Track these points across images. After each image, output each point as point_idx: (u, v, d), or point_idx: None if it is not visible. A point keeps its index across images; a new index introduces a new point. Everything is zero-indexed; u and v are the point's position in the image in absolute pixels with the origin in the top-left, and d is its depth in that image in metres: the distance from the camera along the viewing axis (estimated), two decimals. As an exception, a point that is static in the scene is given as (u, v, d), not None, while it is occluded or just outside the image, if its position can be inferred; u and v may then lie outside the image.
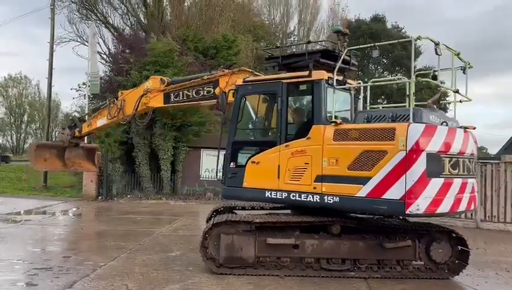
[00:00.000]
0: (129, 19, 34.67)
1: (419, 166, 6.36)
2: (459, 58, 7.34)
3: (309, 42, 7.83)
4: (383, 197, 6.53)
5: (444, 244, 7.41)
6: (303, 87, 7.65)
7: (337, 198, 6.95)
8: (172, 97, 10.05)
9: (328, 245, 7.36)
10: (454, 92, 7.34)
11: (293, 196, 7.39)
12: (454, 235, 7.40)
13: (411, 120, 6.54)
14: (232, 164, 8.20)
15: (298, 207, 7.59)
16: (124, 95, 10.89)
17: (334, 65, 7.49)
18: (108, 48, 32.02)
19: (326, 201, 7.04)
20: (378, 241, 7.34)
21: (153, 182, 21.47)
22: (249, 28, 34.61)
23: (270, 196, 7.65)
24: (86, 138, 13.49)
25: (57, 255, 8.68)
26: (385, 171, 6.53)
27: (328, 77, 7.33)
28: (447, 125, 7.00)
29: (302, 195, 7.28)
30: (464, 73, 7.55)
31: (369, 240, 7.38)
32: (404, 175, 6.38)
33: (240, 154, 8.24)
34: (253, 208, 9.49)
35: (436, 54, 6.70)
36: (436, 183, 6.48)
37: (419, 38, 6.64)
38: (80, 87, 25.16)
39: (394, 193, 6.45)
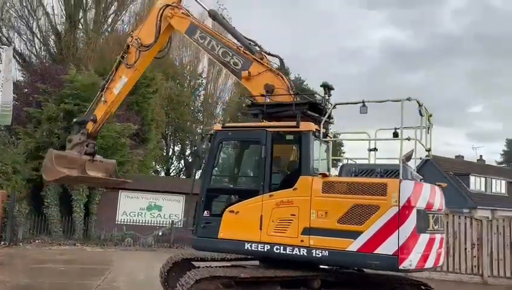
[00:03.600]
0: (34, 46, 32.38)
1: (411, 222, 6.49)
2: (428, 119, 7.83)
3: (297, 94, 7.80)
4: (375, 252, 6.52)
5: None
6: (289, 137, 7.55)
7: (326, 252, 6.78)
8: (198, 34, 8.89)
9: None
10: (427, 150, 7.74)
11: (277, 249, 7.06)
12: (425, 288, 7.61)
13: (401, 176, 6.73)
14: (206, 212, 7.66)
15: (282, 261, 7.27)
16: (136, 33, 9.55)
17: (318, 117, 7.57)
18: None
19: (314, 255, 6.84)
20: None
21: (63, 226, 19.53)
22: (160, 66, 34.10)
23: (250, 248, 7.23)
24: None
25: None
26: (377, 226, 6.55)
27: (316, 129, 7.34)
28: (424, 181, 7.33)
29: (288, 248, 6.99)
30: (427, 133, 8.06)
31: None
32: (397, 231, 6.45)
33: (216, 203, 7.80)
34: (213, 259, 8.97)
35: (420, 114, 7.08)
36: (424, 239, 6.67)
37: (408, 99, 6.97)
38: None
39: (387, 248, 6.47)
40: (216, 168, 7.89)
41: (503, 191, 40.41)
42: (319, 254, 6.81)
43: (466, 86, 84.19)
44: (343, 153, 31.03)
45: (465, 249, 13.93)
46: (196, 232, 7.72)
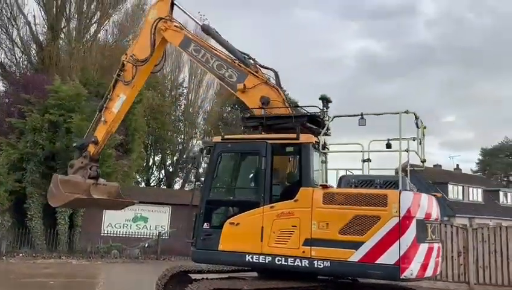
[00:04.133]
0: (15, 56, 31.84)
1: (411, 232, 6.64)
2: (422, 132, 8.03)
3: (297, 106, 7.91)
4: (377, 262, 6.64)
5: None
6: (290, 149, 7.64)
7: (328, 262, 6.86)
8: (192, 47, 8.97)
9: None
10: (422, 161, 7.91)
11: (279, 260, 7.11)
12: None
13: (400, 187, 6.88)
14: (205, 224, 7.69)
15: (283, 272, 7.31)
16: (130, 50, 9.62)
17: (317, 129, 7.70)
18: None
19: (316, 266, 6.91)
20: None
21: (47, 238, 19.15)
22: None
23: (251, 260, 7.25)
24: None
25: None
26: (378, 236, 6.68)
27: (315, 141, 7.45)
28: (420, 192, 7.50)
29: (289, 259, 7.05)
30: (419, 144, 8.27)
31: None
32: (398, 241, 6.59)
33: (215, 215, 7.83)
34: (209, 271, 8.94)
35: (417, 126, 7.29)
36: (423, 249, 6.81)
37: (407, 112, 7.17)
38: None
39: (388, 258, 6.59)
40: (215, 180, 7.92)
41: (480, 199, 41.33)
42: (320, 265, 6.89)
43: (440, 96, 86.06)
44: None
45: (452, 257, 14.21)
46: (196, 245, 7.72)
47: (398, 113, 7.13)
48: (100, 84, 26.06)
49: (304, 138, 7.42)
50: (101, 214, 20.44)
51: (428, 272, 6.92)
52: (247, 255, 7.27)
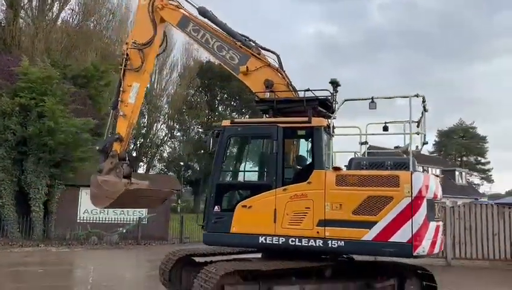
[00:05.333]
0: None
1: (423, 211, 6.91)
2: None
3: (308, 90, 7.93)
4: (390, 240, 6.90)
5: (415, 281, 8.00)
6: (301, 132, 7.73)
7: (342, 242, 7.06)
8: (190, 27, 8.81)
9: (324, 289, 7.38)
10: (424, 143, 8.11)
11: (292, 241, 7.23)
12: (423, 272, 8.09)
13: (411, 169, 7.14)
14: (216, 208, 7.68)
15: (297, 252, 7.44)
16: (129, 38, 9.32)
17: (326, 113, 7.83)
18: None
19: (330, 245, 7.09)
20: (366, 282, 7.61)
21: (20, 226, 18.52)
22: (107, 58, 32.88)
23: (264, 241, 7.33)
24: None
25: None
26: (391, 216, 6.92)
27: (327, 124, 7.57)
28: (426, 173, 7.81)
29: (303, 240, 7.19)
30: (417, 127, 8.58)
31: (359, 281, 7.61)
32: (411, 219, 6.86)
33: (226, 198, 7.85)
34: (213, 254, 8.99)
35: (425, 110, 7.55)
36: (432, 227, 7.12)
37: (417, 95, 7.39)
38: None
39: (401, 236, 6.85)
40: (225, 164, 7.92)
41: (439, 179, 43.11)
42: (335, 245, 7.07)
43: (395, 79, 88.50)
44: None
45: (431, 234, 14.85)
46: (207, 228, 7.73)
47: (407, 97, 7.35)
48: (66, 67, 25.20)
49: (316, 121, 7.52)
50: (76, 201, 19.93)
51: (436, 249, 7.27)
52: (260, 237, 7.36)
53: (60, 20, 31.90)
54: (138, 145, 42.83)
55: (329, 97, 8.01)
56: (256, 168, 8.12)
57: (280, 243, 7.28)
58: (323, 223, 7.15)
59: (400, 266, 8.09)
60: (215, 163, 7.85)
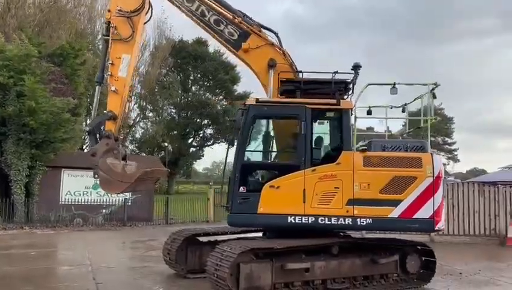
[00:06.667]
0: None
1: (441, 190, 7.63)
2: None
3: (336, 72, 8.13)
4: (414, 217, 7.46)
5: (415, 257, 8.37)
6: (330, 114, 8.06)
7: (370, 220, 7.54)
8: None
9: (332, 266, 7.75)
10: (434, 119, 8.61)
11: (322, 220, 7.57)
12: (423, 247, 8.51)
13: (429, 151, 7.72)
14: (241, 188, 7.69)
15: (324, 230, 7.80)
16: (111, 5, 8.29)
17: (346, 96, 8.22)
18: None
19: (359, 223, 7.55)
20: (371, 258, 8.05)
21: (1, 208, 17.99)
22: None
23: (293, 221, 7.56)
24: None
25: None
26: (415, 195, 7.51)
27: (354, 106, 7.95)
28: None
29: (333, 218, 7.57)
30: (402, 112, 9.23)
31: (364, 257, 8.04)
32: (432, 197, 7.48)
33: (252, 178, 7.98)
34: (216, 233, 9.23)
35: (434, 97, 8.10)
36: (444, 204, 7.80)
37: (435, 84, 7.96)
38: None
39: (424, 212, 7.47)
40: (250, 144, 7.98)
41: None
42: (363, 222, 7.55)
43: (364, 57, 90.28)
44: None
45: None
46: (232, 209, 7.71)
47: (426, 84, 7.91)
48: (41, 44, 24.22)
49: (345, 103, 7.86)
50: (58, 182, 19.50)
51: (444, 224, 7.96)
52: (289, 217, 7.57)
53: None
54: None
55: (353, 80, 8.30)
56: (284, 149, 8.34)
57: (310, 222, 7.56)
58: (352, 202, 7.57)
59: (401, 242, 8.55)
60: (240, 143, 7.78)
